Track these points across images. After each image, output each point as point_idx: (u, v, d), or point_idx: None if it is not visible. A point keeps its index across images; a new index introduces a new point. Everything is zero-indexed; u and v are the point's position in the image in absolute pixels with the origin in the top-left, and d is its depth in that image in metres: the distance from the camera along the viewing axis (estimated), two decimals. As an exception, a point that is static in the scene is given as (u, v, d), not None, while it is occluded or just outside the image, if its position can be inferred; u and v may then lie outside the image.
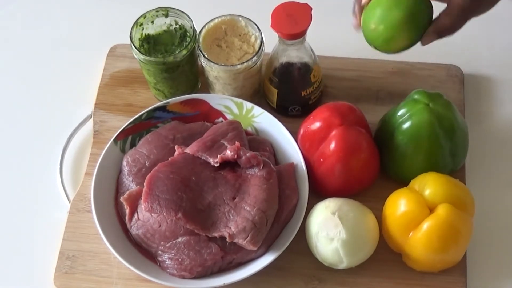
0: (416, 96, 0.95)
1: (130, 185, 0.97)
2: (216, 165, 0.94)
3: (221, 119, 1.03)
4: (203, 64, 1.00)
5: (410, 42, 0.89)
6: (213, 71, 1.00)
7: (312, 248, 0.92)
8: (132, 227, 0.94)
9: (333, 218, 0.89)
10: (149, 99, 1.07)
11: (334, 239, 0.89)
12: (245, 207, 0.91)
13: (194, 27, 1.00)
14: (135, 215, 0.94)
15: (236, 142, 0.95)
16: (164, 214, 0.90)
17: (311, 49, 0.99)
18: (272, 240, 0.93)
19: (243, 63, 0.98)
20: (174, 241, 0.92)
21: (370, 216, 0.91)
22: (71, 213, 0.99)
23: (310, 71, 1.00)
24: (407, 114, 0.94)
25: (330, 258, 0.90)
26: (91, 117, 1.07)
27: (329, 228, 0.89)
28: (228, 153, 0.93)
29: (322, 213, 0.90)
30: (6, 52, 1.16)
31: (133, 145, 1.00)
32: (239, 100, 1.01)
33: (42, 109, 1.09)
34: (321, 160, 0.94)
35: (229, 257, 0.91)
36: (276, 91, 1.02)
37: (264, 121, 1.01)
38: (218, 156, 0.94)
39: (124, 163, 0.98)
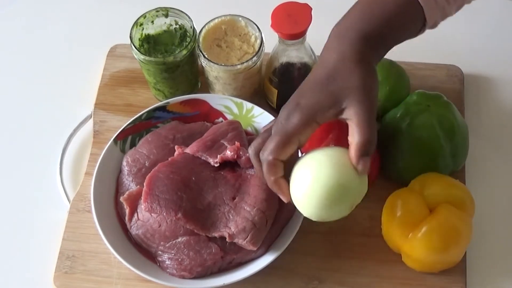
0: (416, 97, 0.95)
1: (130, 185, 0.97)
2: (216, 165, 0.94)
3: (221, 119, 1.03)
4: (203, 64, 1.00)
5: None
6: (213, 71, 1.00)
7: (292, 198, 0.84)
8: (132, 227, 0.94)
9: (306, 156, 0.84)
10: (149, 99, 1.07)
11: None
12: (245, 207, 0.91)
13: (194, 27, 1.00)
14: (135, 215, 0.94)
15: (236, 142, 0.95)
16: (164, 214, 0.90)
17: (311, 49, 0.99)
18: (272, 240, 0.93)
19: (243, 63, 0.98)
20: (174, 241, 0.92)
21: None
22: (71, 213, 0.99)
23: (310, 71, 1.00)
24: (407, 115, 0.94)
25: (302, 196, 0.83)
26: (91, 117, 1.07)
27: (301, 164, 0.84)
28: (228, 153, 0.94)
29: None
30: (6, 52, 1.16)
31: (133, 145, 1.00)
32: (239, 100, 1.01)
33: (42, 109, 1.09)
34: (321, 160, 0.94)
35: (229, 257, 0.91)
36: (276, 91, 1.02)
37: (264, 121, 1.01)
38: (218, 156, 0.94)
39: (124, 163, 0.98)
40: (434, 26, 0.87)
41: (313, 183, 0.81)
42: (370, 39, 0.82)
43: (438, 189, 0.89)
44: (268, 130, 0.85)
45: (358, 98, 0.80)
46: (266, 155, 0.82)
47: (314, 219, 0.83)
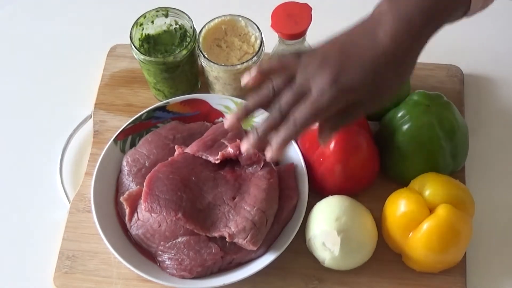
0: (416, 97, 0.95)
1: (130, 185, 0.97)
2: (216, 161, 0.94)
3: (221, 119, 1.03)
4: (203, 64, 1.00)
5: None
6: (213, 71, 1.00)
7: (307, 241, 0.92)
8: (132, 227, 0.94)
9: (335, 236, 0.88)
10: (149, 99, 1.07)
11: (327, 251, 0.89)
12: (245, 207, 0.91)
13: (194, 27, 1.00)
14: (135, 215, 0.94)
15: (237, 140, 0.95)
16: (164, 214, 0.90)
17: (311, 49, 0.99)
18: (272, 240, 0.93)
19: (243, 63, 0.98)
20: (174, 241, 0.92)
21: (369, 226, 0.91)
22: (71, 213, 0.99)
23: (310, 71, 1.00)
24: (407, 115, 0.94)
25: (321, 258, 0.91)
26: (91, 117, 1.07)
27: (327, 241, 0.89)
28: (230, 150, 0.94)
29: (327, 221, 0.89)
30: (6, 52, 1.16)
31: (133, 145, 1.00)
32: (239, 100, 1.01)
33: (42, 109, 1.09)
34: (321, 160, 0.94)
35: (229, 257, 0.91)
36: (276, 91, 1.02)
37: (264, 121, 1.01)
38: (219, 153, 0.94)
39: (124, 163, 0.98)
40: (472, 14, 0.83)
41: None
42: (429, 20, 0.79)
43: (438, 189, 0.89)
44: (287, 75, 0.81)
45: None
46: (299, 120, 0.79)
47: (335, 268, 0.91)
